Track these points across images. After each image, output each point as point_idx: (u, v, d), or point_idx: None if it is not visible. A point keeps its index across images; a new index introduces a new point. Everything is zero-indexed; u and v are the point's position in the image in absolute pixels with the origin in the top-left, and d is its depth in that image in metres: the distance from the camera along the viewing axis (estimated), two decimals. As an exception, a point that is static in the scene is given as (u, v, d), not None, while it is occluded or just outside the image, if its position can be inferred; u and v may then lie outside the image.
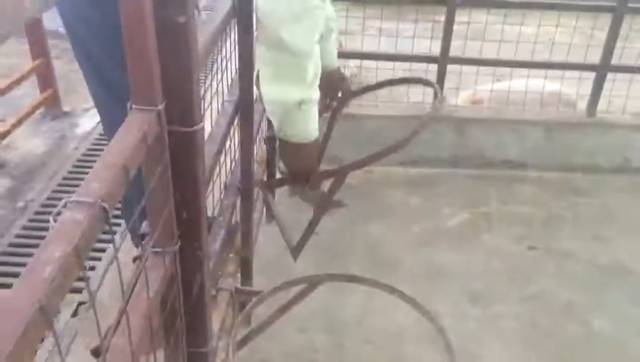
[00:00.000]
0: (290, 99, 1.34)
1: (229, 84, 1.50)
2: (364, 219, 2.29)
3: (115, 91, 1.23)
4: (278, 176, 1.90)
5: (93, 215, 0.56)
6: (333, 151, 2.55)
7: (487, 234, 2.24)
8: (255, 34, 1.36)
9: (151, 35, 0.70)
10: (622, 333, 1.82)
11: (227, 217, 1.47)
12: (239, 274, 1.66)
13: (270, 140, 1.87)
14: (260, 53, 1.35)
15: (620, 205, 2.42)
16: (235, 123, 1.47)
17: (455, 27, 2.50)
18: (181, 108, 0.79)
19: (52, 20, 2.90)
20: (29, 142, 2.76)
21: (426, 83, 1.79)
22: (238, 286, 1.59)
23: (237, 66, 1.40)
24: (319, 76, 1.39)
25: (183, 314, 0.95)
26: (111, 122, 1.43)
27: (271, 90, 1.36)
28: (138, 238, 0.92)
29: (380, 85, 1.88)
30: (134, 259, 1.29)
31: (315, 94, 1.38)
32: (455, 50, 2.55)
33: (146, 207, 0.82)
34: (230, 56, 1.45)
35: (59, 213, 0.56)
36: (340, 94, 1.90)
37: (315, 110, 1.41)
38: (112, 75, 1.30)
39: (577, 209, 2.39)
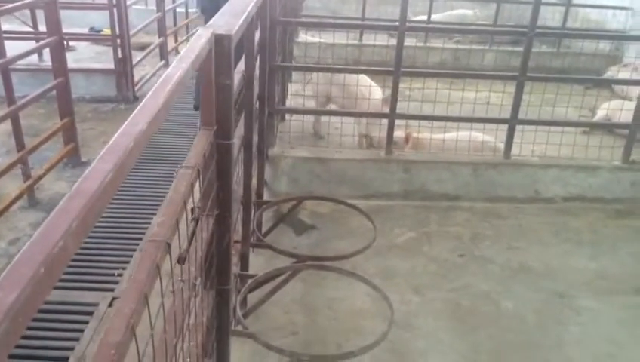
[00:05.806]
0: None
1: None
2: (333, 238, 2.91)
3: None
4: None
5: (194, 171, 1.20)
6: (309, 187, 3.22)
7: (427, 247, 2.89)
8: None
9: (213, 90, 1.36)
10: (522, 310, 2.45)
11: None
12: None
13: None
14: None
15: (530, 225, 3.11)
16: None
17: (410, 92, 3.27)
18: (224, 130, 1.44)
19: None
20: (56, 185, 3.35)
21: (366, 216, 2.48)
22: (239, 271, 2.19)
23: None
24: None
25: (216, 261, 1.56)
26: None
27: None
28: None
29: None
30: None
31: None
32: (412, 110, 3.32)
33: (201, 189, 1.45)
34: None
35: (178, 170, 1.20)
36: None
37: None
38: None
39: (497, 228, 3.07)
